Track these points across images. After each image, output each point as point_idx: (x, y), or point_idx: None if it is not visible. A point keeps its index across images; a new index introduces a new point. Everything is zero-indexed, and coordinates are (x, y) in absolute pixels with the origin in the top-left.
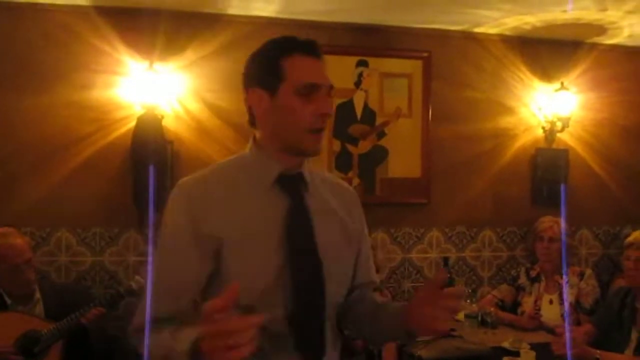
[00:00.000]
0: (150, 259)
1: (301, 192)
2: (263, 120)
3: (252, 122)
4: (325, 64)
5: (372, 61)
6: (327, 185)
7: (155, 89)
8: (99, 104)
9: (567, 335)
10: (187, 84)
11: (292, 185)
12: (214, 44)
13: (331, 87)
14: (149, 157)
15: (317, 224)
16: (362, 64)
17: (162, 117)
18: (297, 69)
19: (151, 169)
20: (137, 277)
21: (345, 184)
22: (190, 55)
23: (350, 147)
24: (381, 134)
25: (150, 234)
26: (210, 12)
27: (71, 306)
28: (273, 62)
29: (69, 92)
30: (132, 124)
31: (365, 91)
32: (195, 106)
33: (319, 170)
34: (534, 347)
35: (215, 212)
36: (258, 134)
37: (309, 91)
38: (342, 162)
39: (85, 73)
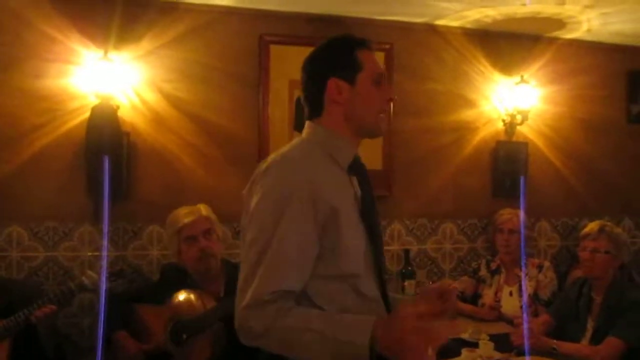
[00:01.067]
0: (259, 234)
1: (367, 176)
2: (340, 108)
3: (318, 110)
4: None
5: None
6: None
7: (110, 79)
8: (51, 94)
9: (525, 326)
10: (143, 74)
11: (361, 169)
12: (171, 33)
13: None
14: (104, 148)
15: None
16: None
17: (118, 107)
18: (369, 61)
19: (106, 160)
20: (89, 272)
21: None
22: (146, 44)
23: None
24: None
25: (105, 228)
26: (167, 0)
27: (20, 303)
28: (350, 55)
29: (20, 82)
30: (86, 114)
31: None
32: (151, 96)
33: None
34: (493, 338)
35: (327, 183)
36: (328, 122)
37: (380, 80)
38: None
39: (37, 62)
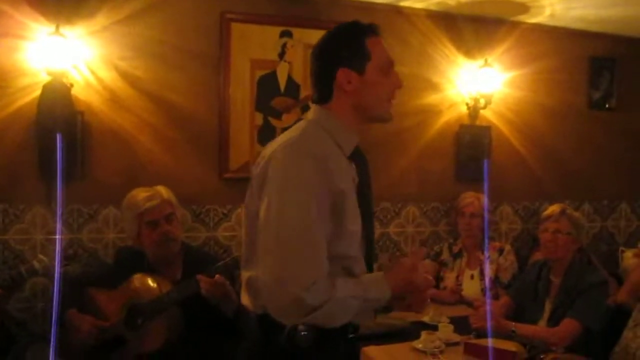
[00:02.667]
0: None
1: (367, 162)
2: (349, 96)
3: (326, 97)
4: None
5: (296, 32)
6: None
7: (62, 55)
8: (0, 71)
9: (487, 307)
10: (98, 51)
11: (361, 156)
12: (127, 8)
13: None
14: (56, 128)
15: None
16: (286, 34)
17: (72, 85)
18: (378, 49)
19: (59, 140)
20: (40, 256)
21: None
22: (101, 19)
23: (273, 121)
24: (305, 108)
25: (59, 210)
26: None
27: None
28: (359, 44)
29: None
30: (37, 92)
31: (289, 63)
32: (107, 74)
33: None
34: (453, 320)
35: (337, 167)
36: (333, 108)
37: (388, 67)
38: (265, 136)
39: None
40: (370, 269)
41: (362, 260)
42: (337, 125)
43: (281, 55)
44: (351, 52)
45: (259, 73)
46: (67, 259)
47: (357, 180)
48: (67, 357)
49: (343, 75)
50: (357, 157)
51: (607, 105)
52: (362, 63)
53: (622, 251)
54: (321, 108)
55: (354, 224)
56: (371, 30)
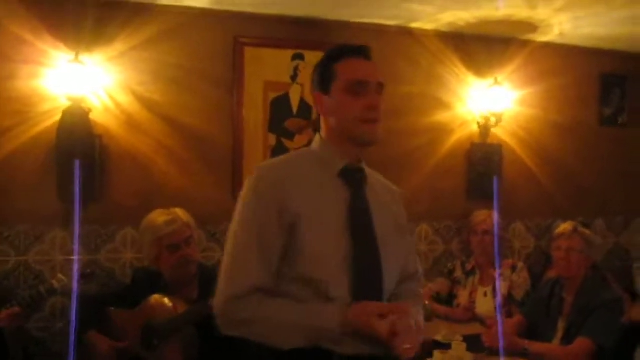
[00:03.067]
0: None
1: (362, 183)
2: (326, 118)
3: (318, 124)
4: (377, 65)
5: (308, 55)
6: (379, 182)
7: (81, 81)
8: (21, 96)
9: (500, 326)
10: (115, 76)
11: (354, 176)
12: (143, 34)
13: (380, 84)
14: (75, 151)
15: (375, 214)
16: (298, 57)
17: (90, 110)
18: (348, 70)
19: (77, 164)
20: (60, 276)
21: (392, 184)
22: (118, 46)
23: (286, 142)
24: (317, 128)
25: (77, 232)
26: (139, 1)
27: None
28: (328, 67)
29: None
30: (57, 117)
31: (302, 85)
32: (124, 99)
33: (372, 171)
34: (467, 339)
35: (294, 191)
36: (323, 132)
37: (358, 88)
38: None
39: (6, 64)
40: (377, 295)
41: (346, 285)
42: (323, 145)
43: (293, 77)
44: (320, 75)
45: (272, 95)
46: (85, 277)
47: (347, 199)
48: None
49: (316, 98)
50: (351, 176)
51: (619, 121)
52: (328, 84)
53: (638, 268)
54: (318, 134)
55: (322, 244)
56: (348, 52)
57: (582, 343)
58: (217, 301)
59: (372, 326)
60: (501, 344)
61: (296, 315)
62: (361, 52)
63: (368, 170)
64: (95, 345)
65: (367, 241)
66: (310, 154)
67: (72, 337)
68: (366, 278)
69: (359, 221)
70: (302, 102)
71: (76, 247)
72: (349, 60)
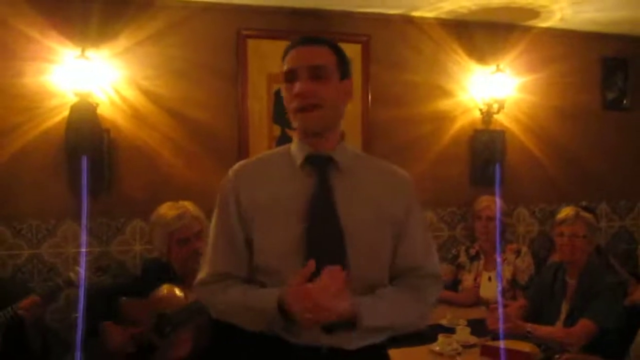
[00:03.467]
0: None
1: (327, 171)
2: None
3: None
4: (318, 49)
5: None
6: (375, 170)
7: (88, 77)
8: (30, 93)
9: (500, 310)
10: (121, 71)
11: (319, 165)
12: (148, 29)
13: (313, 67)
14: (84, 146)
15: (344, 199)
16: None
17: (97, 105)
18: (285, 62)
19: (85, 158)
20: (77, 268)
21: (401, 173)
22: (124, 41)
23: (290, 132)
24: None
25: (84, 224)
26: None
27: (8, 300)
28: (283, 60)
29: None
30: (65, 112)
31: None
32: (131, 93)
33: (373, 158)
34: (470, 323)
35: (256, 187)
36: None
37: (290, 77)
38: None
39: (14, 61)
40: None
41: (296, 269)
42: (293, 143)
43: None
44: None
45: (276, 86)
46: (100, 270)
47: (311, 186)
48: None
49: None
50: (315, 168)
51: (622, 105)
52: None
53: None
54: None
55: (275, 235)
56: (296, 43)
57: (584, 325)
58: (192, 287)
59: (290, 306)
60: (501, 327)
61: (249, 299)
62: (303, 41)
63: (361, 158)
64: (110, 335)
65: (326, 229)
66: (283, 150)
67: (81, 326)
68: (323, 259)
69: (318, 209)
70: None
71: (84, 239)
72: (289, 52)
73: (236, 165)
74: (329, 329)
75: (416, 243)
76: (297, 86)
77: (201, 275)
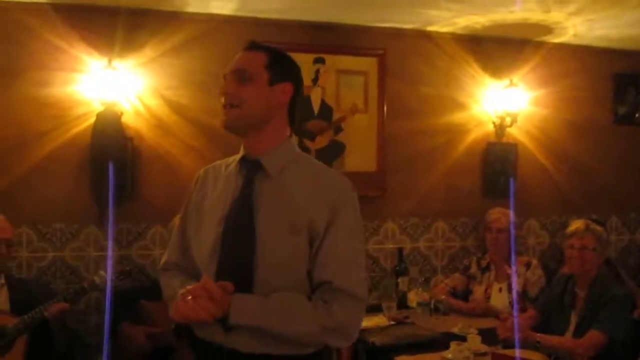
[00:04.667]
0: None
1: (253, 175)
2: None
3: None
4: (249, 53)
5: (328, 58)
6: (305, 176)
7: (114, 86)
8: (57, 101)
9: (515, 320)
10: (146, 81)
11: (248, 169)
12: (172, 41)
13: (237, 70)
14: (108, 153)
15: (263, 205)
16: (319, 61)
17: (122, 113)
18: None
19: (110, 165)
20: (101, 272)
21: (333, 181)
22: (148, 52)
23: (307, 142)
24: (338, 129)
25: (110, 230)
26: (168, 9)
27: (34, 301)
28: None
29: (26, 90)
30: (91, 120)
31: (322, 88)
32: (154, 103)
33: (314, 163)
34: (481, 332)
35: (204, 188)
36: None
37: (223, 78)
38: None
39: (43, 71)
40: (246, 285)
41: (212, 272)
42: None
43: (315, 80)
44: None
45: None
46: (122, 274)
47: (236, 193)
48: None
49: None
50: (245, 171)
51: (635, 117)
52: None
53: None
54: None
55: (201, 236)
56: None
57: (593, 336)
58: None
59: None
60: (516, 336)
61: (176, 290)
62: (245, 47)
63: (298, 162)
64: (130, 336)
65: (238, 232)
66: (239, 155)
67: (107, 330)
68: (232, 267)
69: (235, 214)
70: (323, 104)
71: (110, 244)
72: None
73: (203, 169)
74: (225, 327)
75: (330, 255)
76: (222, 86)
77: (161, 262)
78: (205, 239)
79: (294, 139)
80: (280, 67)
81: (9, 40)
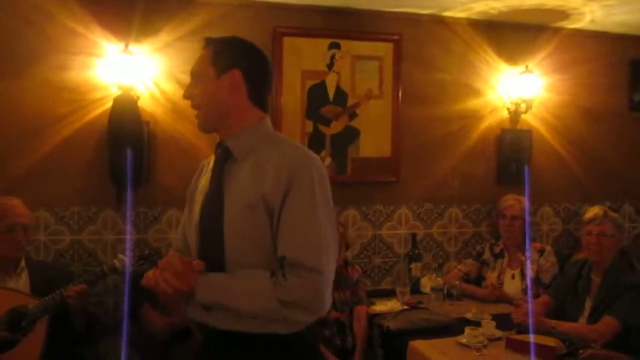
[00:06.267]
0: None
1: (223, 160)
2: None
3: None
4: (201, 54)
5: (344, 44)
6: (269, 154)
7: (130, 70)
8: (75, 85)
9: (529, 305)
10: (162, 66)
11: (219, 155)
12: (187, 26)
13: (191, 73)
14: (125, 137)
15: (230, 187)
16: (334, 46)
17: (138, 97)
18: None
19: (129, 151)
20: (120, 256)
21: (291, 155)
22: (164, 37)
23: (322, 128)
24: (353, 115)
25: (129, 212)
26: None
27: (54, 283)
28: None
29: (45, 74)
30: (108, 104)
31: (337, 73)
32: (170, 87)
33: (282, 141)
34: (495, 317)
35: (198, 177)
36: None
37: None
38: (315, 142)
39: (61, 55)
40: (219, 262)
41: (195, 250)
42: None
43: (330, 66)
44: None
45: (309, 83)
46: (142, 259)
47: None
48: (137, 348)
49: None
50: (218, 157)
51: None
52: None
53: None
54: None
55: (189, 221)
56: None
57: (608, 322)
58: None
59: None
60: (531, 322)
61: None
62: (204, 43)
63: (267, 141)
64: (151, 321)
65: (212, 216)
66: None
67: (126, 312)
68: (208, 246)
69: (208, 198)
70: (338, 89)
71: (129, 228)
72: None
73: (208, 158)
74: (204, 306)
75: (286, 229)
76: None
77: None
78: (190, 224)
79: (267, 120)
80: (224, 57)
81: (29, 24)
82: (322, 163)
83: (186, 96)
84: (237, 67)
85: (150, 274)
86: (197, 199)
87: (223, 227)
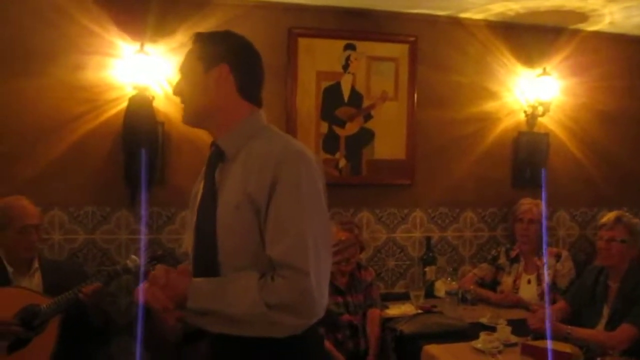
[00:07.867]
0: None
1: (216, 160)
2: None
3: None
4: (192, 49)
5: (359, 45)
6: (258, 151)
7: (146, 71)
8: (91, 85)
9: (547, 311)
10: (177, 66)
11: (212, 155)
12: (203, 26)
13: (178, 70)
14: (140, 137)
15: (222, 187)
16: (350, 47)
17: (153, 98)
18: None
19: (143, 151)
20: (133, 257)
21: (278, 150)
22: (180, 37)
23: (337, 129)
24: (368, 117)
25: (143, 213)
26: None
27: (67, 282)
28: None
29: (60, 73)
30: (123, 104)
31: (353, 74)
32: None
33: (274, 136)
34: (510, 323)
35: (200, 178)
36: None
37: None
38: (330, 144)
39: (77, 54)
40: (212, 265)
41: (192, 263)
42: None
43: (345, 67)
44: None
45: (325, 84)
46: (154, 259)
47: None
48: (150, 348)
49: None
50: (211, 157)
51: None
52: None
53: None
54: None
55: (190, 223)
56: None
57: (626, 329)
58: None
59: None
60: (548, 327)
61: None
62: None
63: (257, 138)
64: (161, 319)
65: (204, 213)
66: None
67: (141, 312)
68: (203, 247)
69: (203, 195)
70: (353, 91)
71: (143, 229)
72: None
73: None
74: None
75: (272, 228)
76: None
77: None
78: (190, 222)
79: (258, 114)
80: (211, 52)
81: (46, 23)
82: (314, 158)
83: (176, 92)
84: (224, 61)
85: (142, 288)
86: (193, 203)
87: (216, 229)
